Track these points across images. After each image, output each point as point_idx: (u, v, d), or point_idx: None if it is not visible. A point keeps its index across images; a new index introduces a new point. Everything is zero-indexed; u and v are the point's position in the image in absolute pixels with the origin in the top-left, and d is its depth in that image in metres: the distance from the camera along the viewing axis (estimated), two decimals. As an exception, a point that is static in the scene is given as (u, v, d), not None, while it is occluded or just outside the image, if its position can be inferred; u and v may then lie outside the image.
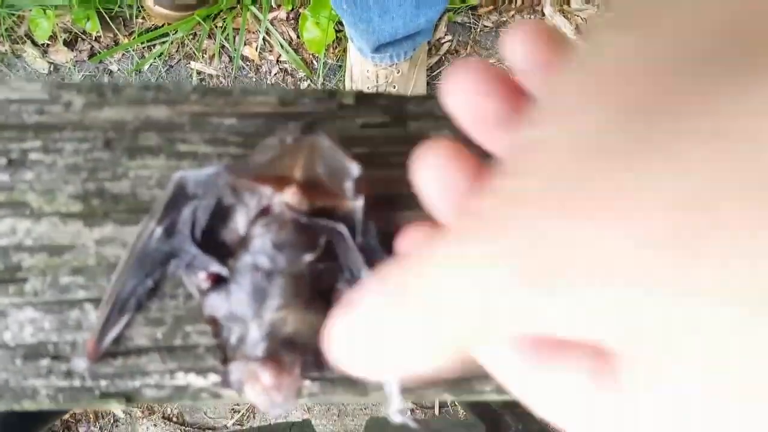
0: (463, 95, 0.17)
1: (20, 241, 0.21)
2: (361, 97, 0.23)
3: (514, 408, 0.64)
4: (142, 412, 1.02)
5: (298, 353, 0.19)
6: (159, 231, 0.19)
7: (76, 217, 0.21)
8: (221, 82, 1.03)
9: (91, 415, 1.01)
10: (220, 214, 0.19)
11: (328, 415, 1.11)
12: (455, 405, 1.16)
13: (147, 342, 0.21)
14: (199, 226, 0.19)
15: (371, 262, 0.19)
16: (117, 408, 0.20)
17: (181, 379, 0.21)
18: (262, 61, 1.05)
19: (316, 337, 0.19)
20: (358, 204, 0.19)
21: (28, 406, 0.21)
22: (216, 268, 0.19)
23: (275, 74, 1.04)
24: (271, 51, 1.05)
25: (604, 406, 0.17)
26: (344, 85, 1.05)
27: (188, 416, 1.02)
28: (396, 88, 1.03)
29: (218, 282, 0.19)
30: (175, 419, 1.02)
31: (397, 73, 1.03)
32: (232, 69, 1.04)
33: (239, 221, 0.19)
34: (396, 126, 0.23)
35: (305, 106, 0.22)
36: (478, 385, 0.23)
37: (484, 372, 0.23)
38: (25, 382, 0.21)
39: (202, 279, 0.19)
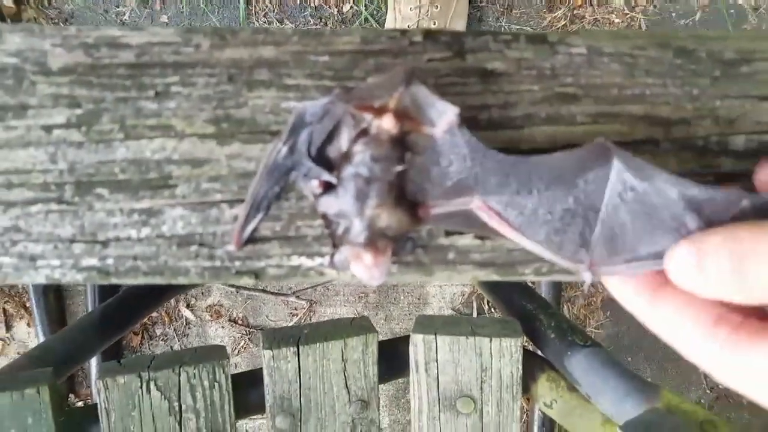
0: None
1: (169, 155, 0.27)
2: (427, 34, 0.28)
3: (547, 308, 0.70)
4: (211, 316, 1.14)
5: (390, 241, 0.25)
6: (284, 149, 0.25)
7: (210, 137, 0.27)
8: (267, 7, 1.06)
9: (165, 318, 1.14)
10: (330, 135, 0.25)
11: (375, 319, 1.22)
12: (493, 308, 1.25)
13: (269, 233, 0.27)
14: (314, 145, 0.25)
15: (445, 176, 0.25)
16: (248, 282, 0.27)
17: (295, 260, 0.28)
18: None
19: (401, 229, 0.25)
20: (437, 130, 0.24)
21: (182, 281, 0.28)
22: (327, 177, 0.25)
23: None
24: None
25: None
26: (387, 7, 1.06)
27: (252, 319, 1.14)
28: (438, 8, 1.04)
29: (328, 188, 0.25)
30: (240, 322, 1.14)
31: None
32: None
33: (344, 140, 0.25)
34: (457, 58, 0.28)
35: (382, 44, 0.27)
36: (520, 268, 0.29)
37: (524, 258, 0.29)
38: (179, 263, 0.28)
39: (315, 186, 0.25)
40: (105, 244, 0.27)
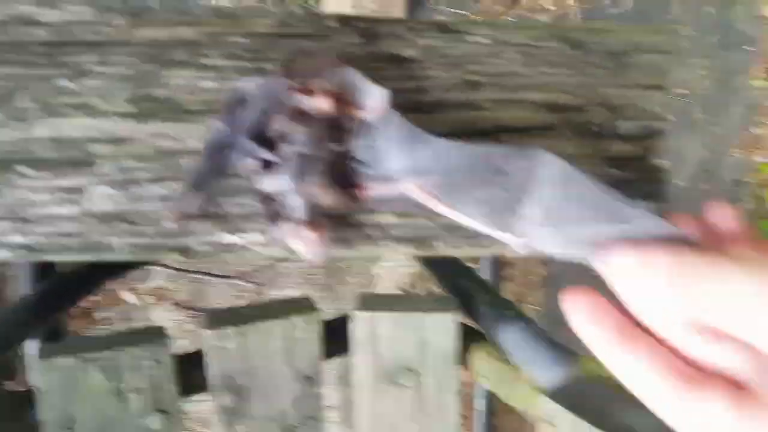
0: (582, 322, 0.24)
1: (90, 134, 0.28)
2: (342, 20, 0.29)
3: (484, 286, 0.74)
4: (155, 299, 1.13)
5: (327, 218, 0.27)
6: (223, 129, 0.26)
7: (131, 116, 0.28)
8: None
9: (107, 302, 1.12)
10: (268, 115, 0.26)
11: (324, 300, 1.24)
12: (437, 287, 1.29)
13: (193, 209, 0.29)
14: (252, 125, 0.26)
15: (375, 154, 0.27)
16: (176, 257, 0.28)
17: (220, 237, 0.29)
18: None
19: (339, 208, 0.27)
20: (371, 113, 0.26)
21: (110, 257, 0.29)
22: (266, 155, 0.26)
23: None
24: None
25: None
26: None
27: (197, 302, 1.14)
28: (374, 2, 1.05)
29: (266, 166, 0.26)
30: (185, 305, 1.14)
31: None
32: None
33: (282, 120, 0.26)
34: (370, 44, 0.30)
35: (299, 28, 0.29)
36: (434, 243, 0.31)
37: (437, 233, 0.31)
38: (106, 240, 0.29)
39: (253, 163, 0.26)
40: (30, 221, 0.28)
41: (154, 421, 0.58)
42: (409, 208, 0.28)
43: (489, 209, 0.26)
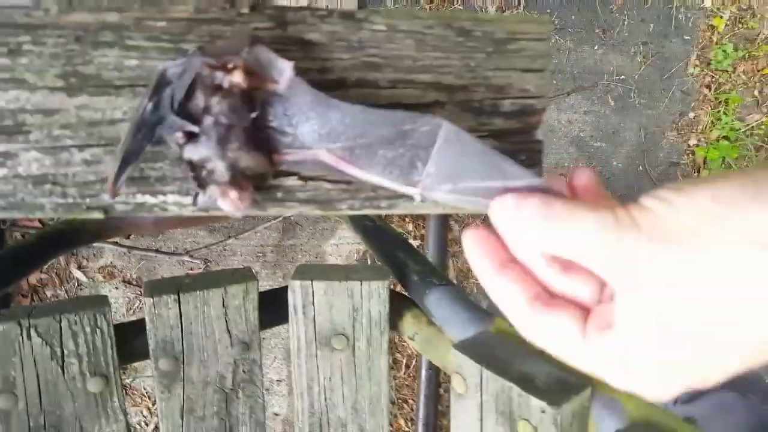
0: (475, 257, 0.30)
1: (22, 105, 0.31)
2: (253, 7, 0.33)
3: (416, 256, 0.79)
4: (104, 277, 1.14)
5: (250, 180, 0.30)
6: (150, 106, 0.29)
7: (60, 90, 0.31)
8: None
9: (56, 280, 1.13)
10: (189, 91, 0.29)
11: (274, 277, 1.27)
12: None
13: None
14: (176, 101, 0.29)
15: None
16: (99, 216, 0.32)
17: (140, 198, 0.33)
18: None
19: (259, 170, 0.31)
20: (280, 86, 0.30)
21: (39, 215, 0.32)
22: (190, 127, 0.29)
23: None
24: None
25: (590, 347, 0.27)
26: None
27: (146, 279, 1.15)
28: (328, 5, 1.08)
29: (191, 138, 0.30)
30: (134, 282, 1.15)
31: None
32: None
33: (201, 95, 0.29)
34: (278, 29, 0.34)
35: (214, 14, 0.33)
36: (336, 204, 0.36)
37: (342, 196, 0.35)
38: (35, 200, 0.32)
39: (180, 136, 0.30)
40: (-36, 182, 0.31)
41: (93, 384, 0.61)
42: (322, 169, 0.32)
43: (394, 168, 0.30)
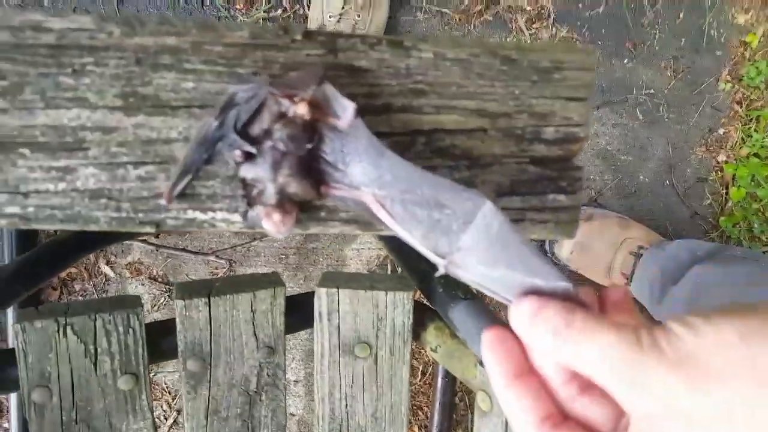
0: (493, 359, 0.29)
1: (83, 123, 0.32)
2: (306, 33, 0.34)
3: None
4: (131, 273, 1.17)
5: (295, 205, 0.31)
6: (215, 124, 0.31)
7: (119, 109, 0.33)
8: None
9: (85, 274, 1.16)
10: (254, 115, 0.31)
11: (295, 280, 1.28)
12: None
13: (167, 191, 0.33)
14: (240, 122, 0.31)
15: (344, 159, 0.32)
16: (150, 230, 0.33)
17: (190, 214, 0.34)
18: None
19: (306, 197, 0.32)
20: (341, 123, 0.31)
21: (94, 228, 0.33)
22: (248, 148, 0.31)
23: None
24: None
25: None
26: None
27: (172, 277, 1.18)
28: (360, 16, 1.09)
29: (248, 157, 0.31)
30: (160, 279, 1.18)
31: (360, 0, 1.08)
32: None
33: (266, 120, 0.30)
34: (330, 55, 0.34)
35: (268, 40, 0.34)
36: (377, 225, 0.37)
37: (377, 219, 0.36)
38: (91, 213, 0.33)
39: (238, 154, 0.31)
40: (26, 195, 0.32)
41: (123, 382, 0.62)
42: (361, 210, 0.32)
43: (427, 231, 0.30)
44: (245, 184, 0.32)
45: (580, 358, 0.26)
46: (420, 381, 1.35)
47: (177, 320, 0.64)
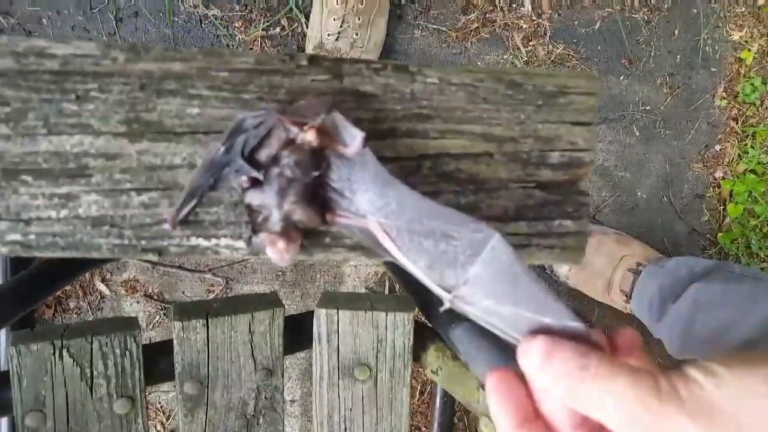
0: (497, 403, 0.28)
1: (86, 149, 0.32)
2: (311, 59, 0.34)
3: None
4: (126, 291, 1.15)
5: (300, 232, 0.31)
6: (222, 149, 0.31)
7: (123, 135, 0.32)
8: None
9: (80, 292, 1.15)
10: (262, 141, 0.30)
11: (292, 297, 1.27)
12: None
13: (170, 218, 0.33)
14: (247, 148, 0.30)
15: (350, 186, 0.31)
16: (153, 258, 0.32)
17: (193, 241, 0.34)
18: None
19: (311, 225, 0.31)
20: (349, 151, 0.30)
21: (96, 255, 0.33)
22: (255, 174, 0.30)
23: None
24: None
25: None
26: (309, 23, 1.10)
27: (167, 295, 1.16)
28: (358, 35, 1.09)
29: (254, 183, 0.31)
30: (156, 297, 1.16)
31: (358, 20, 1.09)
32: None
33: (274, 146, 0.30)
34: (335, 80, 0.34)
35: (274, 65, 0.33)
36: (380, 252, 0.36)
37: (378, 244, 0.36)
38: (93, 240, 0.33)
39: (245, 180, 0.31)
40: (28, 222, 0.32)
41: (120, 406, 0.61)
42: (366, 239, 0.31)
43: (433, 263, 0.29)
44: (251, 210, 0.31)
45: (594, 403, 0.25)
46: (418, 401, 1.34)
47: (174, 342, 0.63)
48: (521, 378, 0.28)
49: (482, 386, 0.61)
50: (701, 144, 1.58)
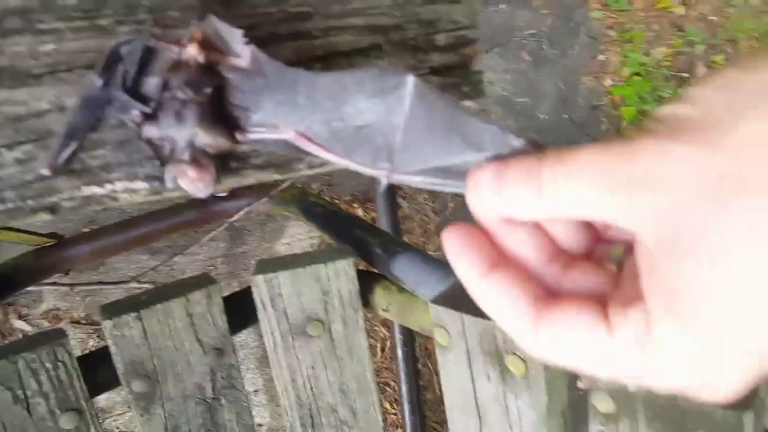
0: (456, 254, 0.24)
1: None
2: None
3: (373, 231, 0.79)
4: (49, 322, 1.08)
5: (211, 158, 0.29)
6: (99, 83, 0.28)
7: (-27, 86, 0.29)
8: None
9: (-1, 336, 1.06)
10: (144, 69, 0.28)
11: (230, 288, 1.24)
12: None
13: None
14: (129, 79, 0.28)
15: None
16: (46, 216, 0.30)
17: (86, 191, 0.31)
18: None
19: (220, 148, 0.29)
20: (242, 61, 0.28)
21: (-23, 226, 0.29)
22: (142, 107, 0.28)
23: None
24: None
25: (616, 338, 0.20)
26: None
27: (96, 316, 1.10)
28: None
29: (148, 116, 0.28)
30: (84, 321, 1.09)
31: None
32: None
33: (158, 71, 0.28)
34: (199, -9, 0.32)
35: (130, -17, 0.31)
36: (294, 165, 0.35)
37: (297, 155, 0.34)
38: (-31, 211, 0.29)
39: (136, 115, 0.28)
40: None
41: (66, 421, 0.57)
42: (287, 150, 0.29)
43: (364, 146, 0.27)
44: (152, 144, 0.29)
45: (566, 195, 0.21)
46: (380, 358, 1.34)
47: (109, 342, 0.59)
48: (479, 228, 0.25)
49: (430, 302, 0.61)
50: (587, 57, 1.65)
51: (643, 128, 0.20)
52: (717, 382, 0.20)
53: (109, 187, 0.31)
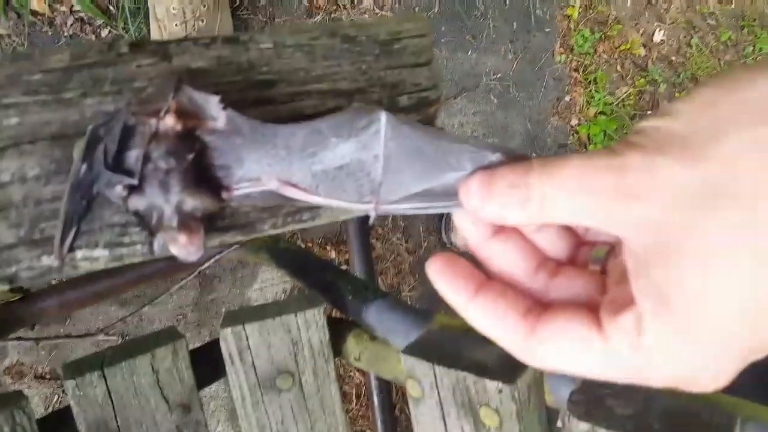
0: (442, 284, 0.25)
1: None
2: (133, 45, 0.32)
3: (345, 276, 0.79)
4: (12, 378, 1.04)
5: (200, 221, 0.29)
6: (83, 167, 0.28)
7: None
8: (14, 41, 0.99)
9: (-44, 395, 1.01)
10: (124, 144, 0.28)
11: (200, 337, 1.21)
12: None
13: (14, 240, 0.30)
14: (110, 156, 0.28)
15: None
16: (3, 287, 0.29)
17: (45, 260, 0.31)
18: (55, 14, 1.02)
19: (207, 209, 0.29)
20: (219, 123, 0.29)
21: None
22: (127, 180, 0.28)
23: (71, 25, 1.02)
24: (62, 1, 1.02)
25: (610, 342, 0.21)
26: (149, 27, 1.06)
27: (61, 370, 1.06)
28: (204, 22, 1.07)
29: (133, 189, 0.28)
30: (48, 376, 1.06)
31: (204, 7, 1.06)
32: (23, 26, 1.00)
33: (138, 145, 0.28)
34: (163, 62, 0.33)
35: (92, 58, 0.31)
36: (258, 226, 0.35)
37: (262, 216, 0.35)
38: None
39: (121, 190, 0.28)
40: None
41: (27, 488, 0.54)
42: (275, 200, 0.30)
43: (347, 184, 0.28)
44: (139, 215, 0.29)
45: (552, 202, 0.22)
46: (356, 405, 1.32)
47: (72, 403, 0.57)
48: (460, 255, 0.26)
49: (401, 351, 0.61)
50: (553, 98, 1.71)
51: (627, 141, 0.21)
52: (705, 376, 0.21)
53: (68, 256, 0.31)
